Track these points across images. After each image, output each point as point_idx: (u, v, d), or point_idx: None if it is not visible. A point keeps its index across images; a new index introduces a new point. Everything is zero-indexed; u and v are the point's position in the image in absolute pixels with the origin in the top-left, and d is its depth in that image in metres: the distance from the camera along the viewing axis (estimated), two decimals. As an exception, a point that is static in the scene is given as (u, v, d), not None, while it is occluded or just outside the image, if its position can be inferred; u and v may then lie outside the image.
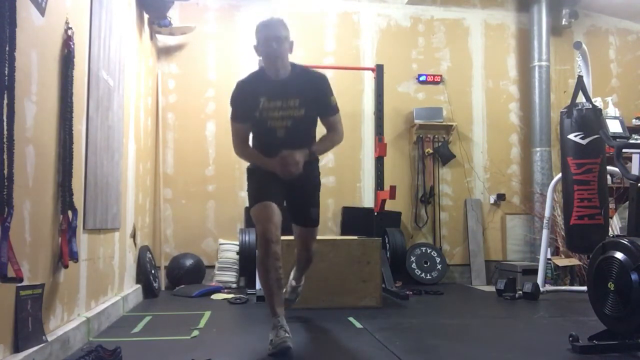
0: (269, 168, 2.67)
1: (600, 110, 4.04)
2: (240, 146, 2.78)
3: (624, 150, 3.59)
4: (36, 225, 2.22)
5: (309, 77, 2.77)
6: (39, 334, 2.17)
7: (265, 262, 2.56)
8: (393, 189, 4.74)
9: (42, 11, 2.26)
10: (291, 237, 3.10)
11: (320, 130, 2.87)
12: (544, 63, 5.82)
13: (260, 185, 2.74)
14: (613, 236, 3.16)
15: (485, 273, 5.68)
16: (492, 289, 4.99)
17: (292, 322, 2.88)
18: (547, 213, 4.86)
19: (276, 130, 2.69)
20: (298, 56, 5.52)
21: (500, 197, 5.87)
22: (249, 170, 2.89)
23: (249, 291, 4.59)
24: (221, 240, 5.34)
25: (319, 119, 2.83)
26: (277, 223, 2.61)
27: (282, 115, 2.68)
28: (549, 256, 5.00)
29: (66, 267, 2.47)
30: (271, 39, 2.64)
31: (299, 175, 2.64)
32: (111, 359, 2.22)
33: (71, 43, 2.57)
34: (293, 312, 3.40)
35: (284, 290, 2.99)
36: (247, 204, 5.34)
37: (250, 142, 2.85)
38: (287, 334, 2.50)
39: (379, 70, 5.23)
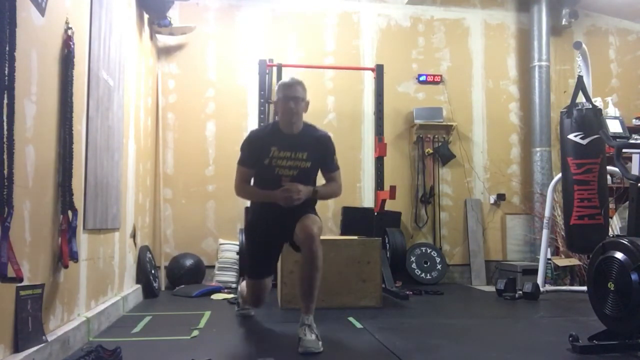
0: (270, 199, 2.85)
1: (600, 110, 4.04)
2: (242, 187, 3.01)
3: (624, 150, 3.60)
4: (36, 225, 2.22)
5: (318, 135, 2.99)
6: (39, 334, 2.17)
7: (253, 305, 3.33)
8: (393, 189, 4.74)
9: (42, 11, 2.26)
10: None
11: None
12: (544, 63, 5.83)
13: (256, 257, 3.07)
14: (613, 236, 3.16)
15: (485, 273, 5.68)
16: (492, 289, 4.99)
17: (293, 323, 2.87)
18: (547, 213, 4.86)
19: (282, 178, 2.87)
20: (298, 57, 5.62)
21: (500, 197, 5.87)
22: (246, 228, 3.28)
23: (249, 291, 4.58)
24: (221, 240, 5.34)
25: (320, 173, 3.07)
26: (266, 290, 3.14)
27: (289, 165, 2.89)
28: (549, 256, 5.00)
29: (66, 267, 2.47)
30: (290, 98, 2.85)
31: (297, 207, 2.83)
32: (111, 359, 2.22)
33: (71, 43, 2.56)
34: (293, 312, 3.40)
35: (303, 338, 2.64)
36: (247, 204, 5.40)
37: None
38: (250, 310, 3.54)
39: (379, 70, 5.22)
